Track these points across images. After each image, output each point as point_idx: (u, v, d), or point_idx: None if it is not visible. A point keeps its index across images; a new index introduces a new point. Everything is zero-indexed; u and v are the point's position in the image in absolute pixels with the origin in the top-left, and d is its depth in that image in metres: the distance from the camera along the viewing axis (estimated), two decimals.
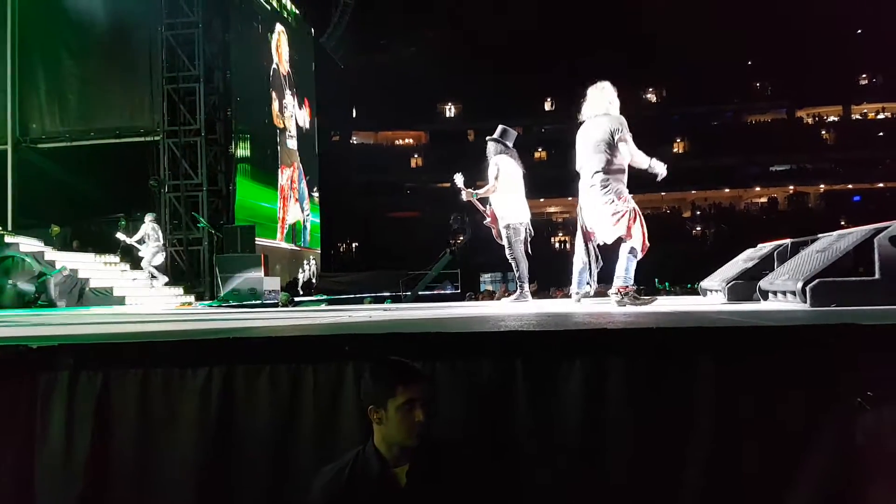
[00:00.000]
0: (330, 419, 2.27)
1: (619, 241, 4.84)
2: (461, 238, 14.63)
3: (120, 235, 11.69)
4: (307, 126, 19.37)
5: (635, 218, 4.74)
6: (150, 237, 11.50)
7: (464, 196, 6.02)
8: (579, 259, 5.29)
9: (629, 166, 4.94)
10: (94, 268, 12.21)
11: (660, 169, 4.91)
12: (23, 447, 2.32)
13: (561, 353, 2.28)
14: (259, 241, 14.05)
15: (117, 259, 13.27)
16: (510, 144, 6.35)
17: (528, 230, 6.19)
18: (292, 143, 17.81)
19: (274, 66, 16.82)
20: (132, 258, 13.99)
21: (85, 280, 11.07)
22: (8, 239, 11.29)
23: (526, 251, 6.13)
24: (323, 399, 2.27)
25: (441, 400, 2.27)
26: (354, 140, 37.89)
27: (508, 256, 6.11)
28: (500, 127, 6.48)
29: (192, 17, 13.69)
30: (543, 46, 31.55)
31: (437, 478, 2.00)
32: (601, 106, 5.00)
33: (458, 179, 6.01)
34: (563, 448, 2.22)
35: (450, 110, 39.46)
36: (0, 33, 13.72)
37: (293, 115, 17.89)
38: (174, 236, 13.84)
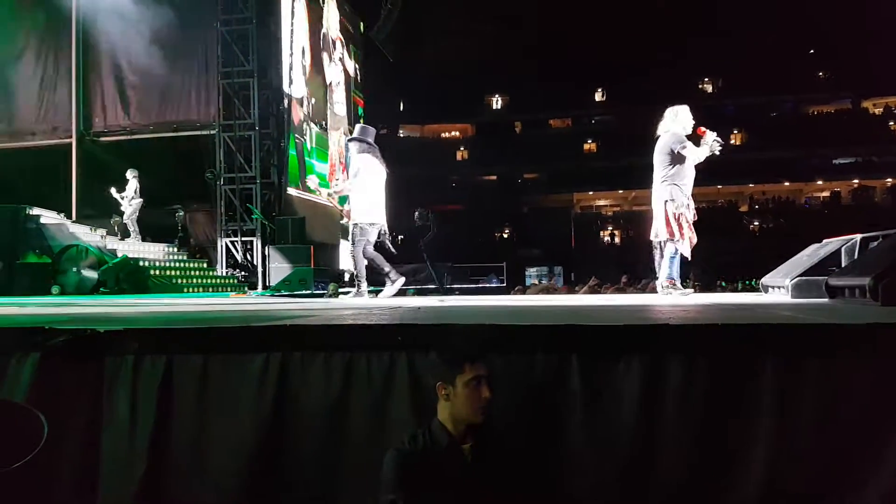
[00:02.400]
0: (382, 407, 2.29)
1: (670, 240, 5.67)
2: (428, 234, 14.62)
3: (112, 191, 12.09)
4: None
5: (685, 222, 5.56)
6: (137, 193, 11.89)
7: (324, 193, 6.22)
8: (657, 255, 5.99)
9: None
10: (153, 257, 12.64)
11: (707, 149, 5.64)
12: (89, 428, 2.41)
13: (619, 349, 2.24)
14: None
15: (175, 248, 13.72)
16: (371, 141, 6.35)
17: (382, 231, 6.24)
18: (340, 110, 17.98)
19: (324, 30, 17.02)
20: (189, 247, 14.45)
21: (145, 269, 11.48)
22: (71, 228, 11.81)
23: (389, 251, 6.32)
24: (375, 387, 2.29)
25: (493, 393, 2.26)
26: (401, 133, 38.06)
27: (350, 254, 6.30)
28: (358, 126, 6.64)
29: (246, 13, 13.98)
30: (594, 35, 30.97)
31: (500, 458, 2.08)
32: (667, 124, 5.80)
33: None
34: (618, 446, 2.18)
35: (497, 102, 39.20)
36: (65, 29, 14.30)
37: (340, 81, 18.05)
38: (229, 227, 14.21)
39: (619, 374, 2.21)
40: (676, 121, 5.73)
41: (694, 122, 5.81)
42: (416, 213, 15.88)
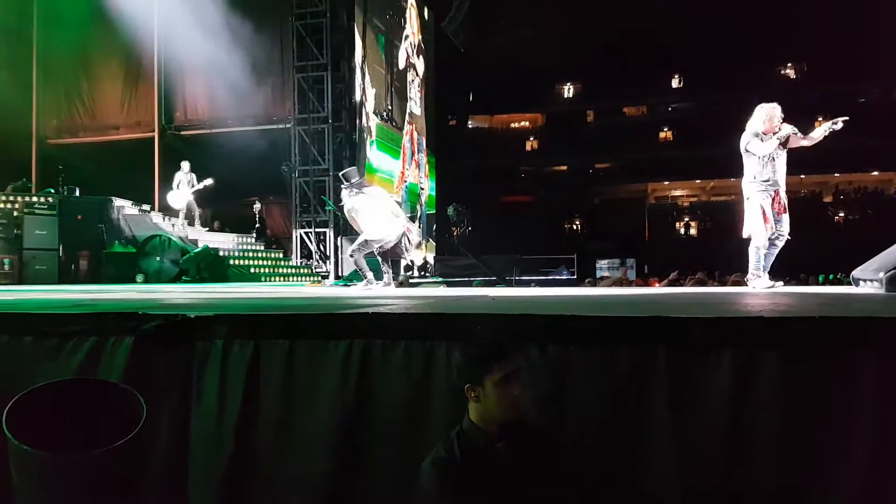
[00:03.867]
0: (460, 395, 2.27)
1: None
2: (461, 228, 14.43)
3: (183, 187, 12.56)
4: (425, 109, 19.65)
5: (758, 217, 5.74)
6: (189, 185, 12.48)
7: None
8: None
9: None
10: (231, 247, 13.10)
11: (773, 142, 5.76)
12: (179, 410, 2.51)
13: (706, 342, 2.14)
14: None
15: (253, 239, 14.18)
16: (357, 180, 7.01)
17: (402, 240, 6.85)
18: (416, 109, 18.11)
19: (407, 32, 17.18)
20: (266, 238, 14.91)
21: (225, 258, 11.92)
22: (154, 219, 12.39)
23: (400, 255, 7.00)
24: (453, 377, 2.27)
25: (573, 384, 2.21)
26: (471, 124, 37.97)
27: (349, 254, 7.25)
28: (341, 173, 7.16)
29: (321, 7, 14.22)
30: (670, 19, 29.86)
31: (538, 456, 2.02)
32: (748, 122, 5.98)
33: None
34: (705, 447, 2.09)
35: (568, 90, 38.45)
36: (146, 28, 14.91)
37: (415, 79, 18.17)
38: (303, 219, 14.58)
39: (707, 367, 2.11)
40: (752, 119, 5.94)
41: (782, 117, 5.89)
42: (450, 208, 15.89)
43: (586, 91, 37.15)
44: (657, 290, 7.76)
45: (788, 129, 5.78)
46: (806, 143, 5.89)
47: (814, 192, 34.30)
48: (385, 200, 7.02)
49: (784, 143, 5.81)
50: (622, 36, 30.27)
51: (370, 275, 6.74)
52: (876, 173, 32.85)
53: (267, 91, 15.01)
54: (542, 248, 22.93)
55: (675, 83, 36.72)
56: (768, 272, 5.82)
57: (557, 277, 19.97)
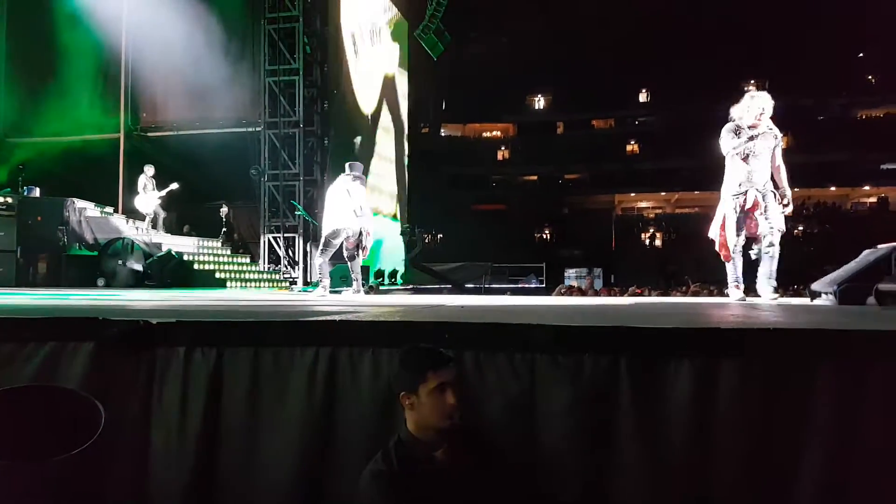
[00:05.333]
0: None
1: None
2: (414, 250, 14.70)
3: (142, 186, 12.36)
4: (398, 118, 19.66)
5: (722, 229, 5.36)
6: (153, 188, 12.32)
7: None
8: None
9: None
10: (197, 251, 12.89)
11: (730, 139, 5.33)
12: (140, 418, 2.45)
13: (668, 352, 2.19)
14: None
15: (219, 243, 13.98)
16: (347, 172, 7.31)
17: (358, 240, 7.10)
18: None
19: (370, 58, 17.14)
20: (232, 242, 14.72)
21: (190, 263, 11.71)
22: (115, 222, 12.13)
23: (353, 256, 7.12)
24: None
25: (540, 394, 2.24)
26: (443, 132, 38.12)
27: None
28: (348, 164, 7.55)
29: (294, 12, 14.16)
30: (638, 34, 30.49)
31: (478, 461, 2.04)
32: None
33: None
34: (666, 448, 2.13)
35: (539, 102, 38.94)
36: (114, 28, 14.64)
37: (384, 108, 18.16)
38: (272, 223, 14.42)
39: (667, 378, 2.16)
40: (736, 107, 5.41)
41: (763, 111, 5.26)
42: (402, 229, 16.02)
43: (556, 103, 37.74)
44: (621, 300, 7.88)
45: (764, 129, 5.23)
46: (775, 176, 5.37)
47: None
48: (351, 198, 7.00)
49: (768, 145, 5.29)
50: (592, 50, 30.80)
51: (327, 281, 6.88)
52: (833, 189, 33.95)
53: (237, 94, 14.86)
54: (513, 256, 23.11)
55: (642, 97, 37.54)
56: (773, 279, 5.28)
57: (527, 286, 20.14)
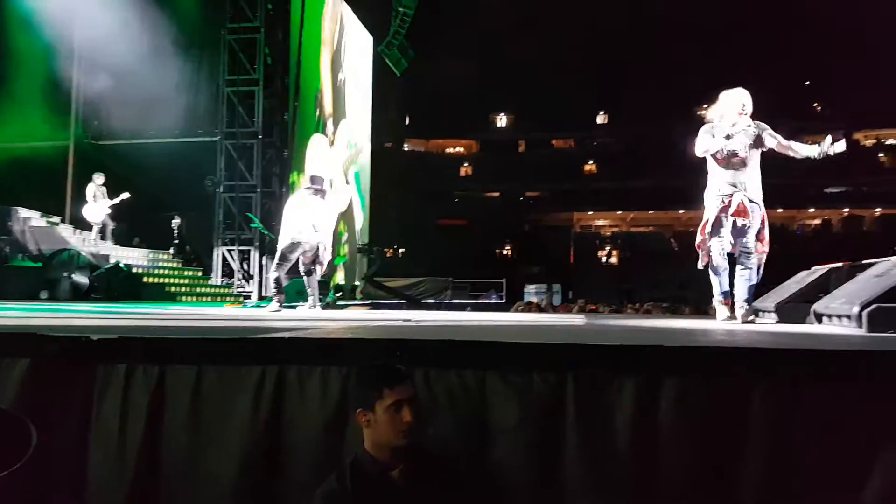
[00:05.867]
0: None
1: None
2: (372, 268, 14.95)
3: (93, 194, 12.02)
4: (363, 131, 19.64)
5: (702, 232, 4.83)
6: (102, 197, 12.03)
7: None
8: None
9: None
10: (147, 264, 12.57)
11: (708, 139, 4.80)
12: (78, 436, 2.38)
13: (612, 369, 2.23)
14: None
15: (171, 256, 13.64)
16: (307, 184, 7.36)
17: (315, 255, 7.04)
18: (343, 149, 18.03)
19: (333, 71, 17.11)
20: (185, 255, 14.39)
21: (139, 276, 11.40)
22: (62, 232, 11.74)
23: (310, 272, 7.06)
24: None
25: (494, 410, 2.25)
26: (406, 147, 38.27)
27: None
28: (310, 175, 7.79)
29: (255, 22, 14.03)
30: (598, 59, 31.28)
31: (434, 479, 2.02)
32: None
33: None
34: (611, 467, 2.17)
35: (501, 120, 39.51)
36: (65, 32, 14.24)
37: (348, 120, 18.12)
38: (226, 236, 14.14)
39: (612, 395, 2.19)
40: (712, 109, 4.94)
41: (743, 109, 4.77)
42: (360, 246, 16.07)
43: (518, 122, 38.37)
44: (574, 317, 7.97)
45: (743, 126, 4.71)
46: (790, 153, 4.88)
47: None
48: (310, 211, 6.96)
49: (755, 143, 4.74)
50: (553, 71, 31.44)
51: (281, 296, 6.77)
52: (780, 210, 35.21)
53: (193, 103, 14.61)
54: (475, 271, 23.23)
55: (600, 119, 38.51)
56: (748, 300, 4.67)
57: (487, 301, 20.23)
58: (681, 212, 36.78)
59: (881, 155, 34.89)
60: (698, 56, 30.03)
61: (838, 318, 4.02)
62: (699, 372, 2.19)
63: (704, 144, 4.77)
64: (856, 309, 3.63)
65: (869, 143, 35.52)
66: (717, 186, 4.74)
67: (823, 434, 2.08)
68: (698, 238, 4.83)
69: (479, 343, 2.42)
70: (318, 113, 16.42)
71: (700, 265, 4.86)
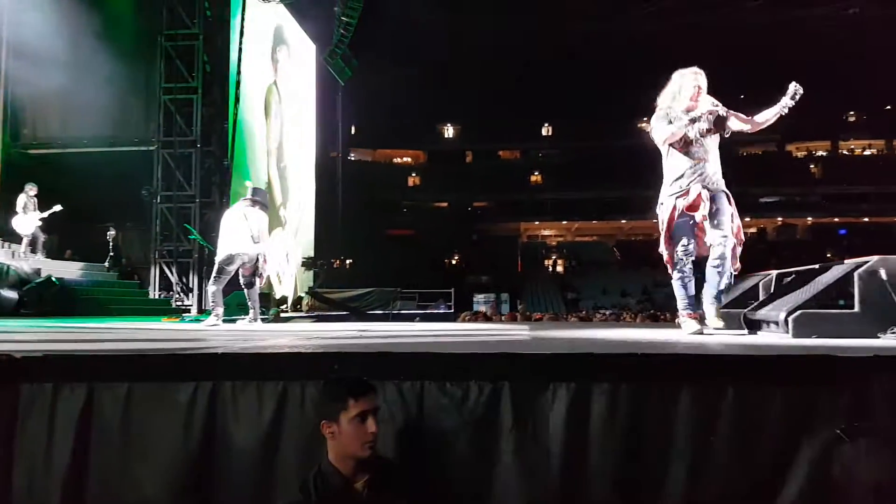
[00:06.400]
0: (315, 437, 2.25)
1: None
2: (317, 282, 15.11)
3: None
4: (305, 142, 19.42)
5: (666, 244, 4.19)
6: (32, 208, 11.61)
7: None
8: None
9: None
10: (80, 277, 12.10)
11: (682, 125, 4.12)
12: (2, 457, 2.28)
13: (546, 378, 2.29)
14: None
15: (106, 269, 13.16)
16: (249, 195, 7.19)
17: (255, 267, 6.95)
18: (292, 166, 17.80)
19: (273, 81, 16.89)
20: (120, 268, 13.90)
21: (71, 290, 10.96)
22: None
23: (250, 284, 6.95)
24: (309, 417, 2.26)
25: (430, 420, 2.27)
26: (352, 157, 38.07)
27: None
28: (252, 187, 7.50)
29: (194, 30, 13.75)
30: (543, 72, 31.93)
31: (398, 490, 2.04)
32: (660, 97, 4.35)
33: None
34: (545, 471, 2.22)
35: (448, 131, 39.80)
36: None
37: (289, 132, 17.89)
38: (164, 248, 13.73)
39: (545, 402, 2.25)
40: (664, 93, 4.35)
41: (700, 87, 4.23)
42: (303, 259, 16.04)
43: (465, 133, 38.74)
44: (519, 326, 8.09)
45: (708, 106, 4.17)
46: (748, 127, 4.31)
47: (649, 235, 37.67)
48: (248, 223, 6.83)
49: (714, 127, 4.18)
50: (501, 83, 31.91)
51: (220, 310, 6.62)
52: None
53: (129, 111, 14.18)
54: (423, 281, 23.25)
55: (544, 131, 39.31)
56: (719, 301, 4.20)
57: (436, 311, 20.24)
58: (623, 221, 37.86)
59: (812, 166, 36.73)
60: (638, 69, 30.97)
61: (767, 325, 4.14)
62: (630, 378, 2.25)
63: (665, 130, 4.13)
64: (782, 315, 3.76)
65: (801, 154, 37.36)
66: (674, 178, 4.16)
67: (745, 437, 2.17)
68: (664, 253, 4.21)
69: (416, 354, 2.44)
70: (264, 124, 16.19)
71: (675, 279, 4.23)
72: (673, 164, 4.20)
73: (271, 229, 11.49)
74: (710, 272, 4.13)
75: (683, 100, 4.20)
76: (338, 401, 1.99)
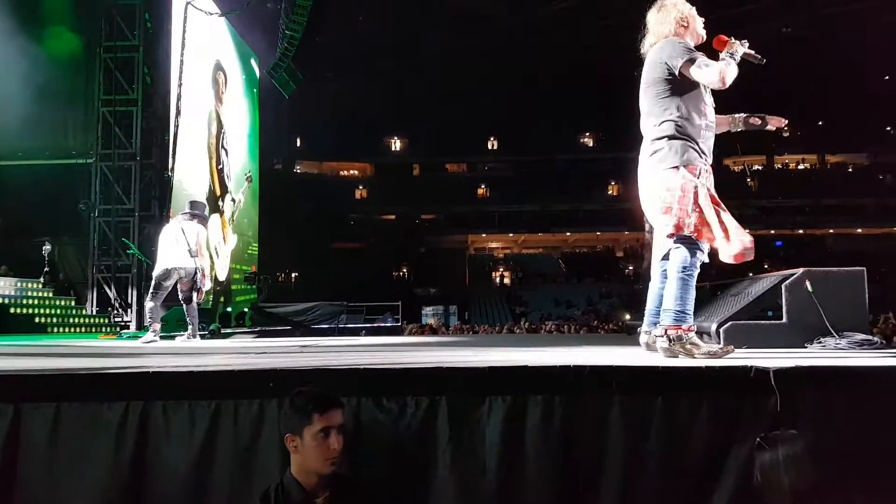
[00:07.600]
0: (249, 457, 2.25)
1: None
2: (260, 296, 15.16)
3: None
4: (246, 154, 19.06)
5: (697, 208, 2.96)
6: None
7: None
8: (655, 278, 3.30)
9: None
10: (14, 293, 11.59)
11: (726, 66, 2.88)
12: None
13: (483, 391, 2.34)
14: None
15: (41, 284, 12.66)
16: (188, 209, 7.22)
17: (192, 282, 6.89)
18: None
19: (212, 107, 16.56)
20: (57, 283, 13.37)
21: (4, 305, 10.52)
22: None
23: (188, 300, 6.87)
24: (243, 436, 2.25)
25: (366, 436, 2.29)
26: (298, 169, 37.66)
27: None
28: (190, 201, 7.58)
29: (133, 41, 13.46)
30: (489, 86, 32.36)
31: None
32: (658, 30, 3.18)
33: None
34: (482, 485, 2.27)
35: (395, 144, 39.87)
36: None
37: (230, 165, 17.51)
38: (102, 262, 13.28)
39: (482, 415, 2.30)
40: (665, 19, 3.15)
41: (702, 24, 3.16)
42: (244, 275, 15.85)
43: (412, 146, 38.88)
44: (463, 338, 8.16)
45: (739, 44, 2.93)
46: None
47: (607, 247, 38.64)
48: (186, 237, 6.76)
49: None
50: (446, 96, 32.20)
51: (157, 326, 6.54)
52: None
53: (67, 123, 13.73)
54: (371, 294, 23.12)
55: (490, 145, 39.84)
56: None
57: (383, 325, 20.11)
58: (567, 234, 38.60)
59: (748, 180, 38.21)
60: (581, 84, 31.77)
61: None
62: (563, 390, 2.32)
63: (717, 70, 2.88)
64: (713, 326, 3.90)
65: (737, 168, 38.85)
66: (704, 144, 3.05)
67: (675, 445, 2.26)
68: (714, 228, 3.00)
69: (352, 370, 2.46)
70: (207, 137, 15.82)
71: (727, 259, 3.05)
72: (696, 122, 3.04)
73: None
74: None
75: (696, 37, 3.16)
76: (302, 414, 2.00)
